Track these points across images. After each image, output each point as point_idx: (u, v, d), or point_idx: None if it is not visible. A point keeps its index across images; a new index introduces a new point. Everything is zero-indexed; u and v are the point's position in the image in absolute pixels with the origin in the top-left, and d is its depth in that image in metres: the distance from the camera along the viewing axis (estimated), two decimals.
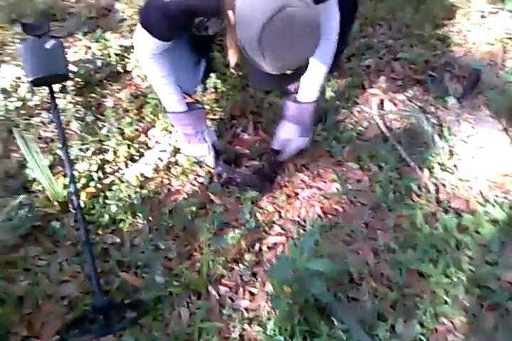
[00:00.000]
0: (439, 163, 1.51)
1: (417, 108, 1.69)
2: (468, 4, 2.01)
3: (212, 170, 1.58)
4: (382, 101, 1.73)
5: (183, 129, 1.47)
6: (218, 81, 1.77)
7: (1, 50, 2.06)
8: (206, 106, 1.71)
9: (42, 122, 1.77)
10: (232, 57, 1.11)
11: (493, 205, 1.35)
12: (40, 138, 1.73)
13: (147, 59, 1.31)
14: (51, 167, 1.63)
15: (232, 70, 1.81)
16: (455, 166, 1.52)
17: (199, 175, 1.59)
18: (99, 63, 1.93)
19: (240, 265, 1.36)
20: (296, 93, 1.44)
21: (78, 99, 1.84)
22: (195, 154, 1.53)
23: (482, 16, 1.95)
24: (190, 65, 1.69)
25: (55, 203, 1.52)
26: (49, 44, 1.58)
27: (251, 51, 0.93)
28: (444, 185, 1.47)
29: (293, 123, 1.47)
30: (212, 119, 1.71)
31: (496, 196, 1.41)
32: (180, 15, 1.13)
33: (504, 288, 1.22)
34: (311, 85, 1.41)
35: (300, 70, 1.03)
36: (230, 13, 0.97)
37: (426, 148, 1.56)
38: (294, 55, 0.93)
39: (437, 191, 1.45)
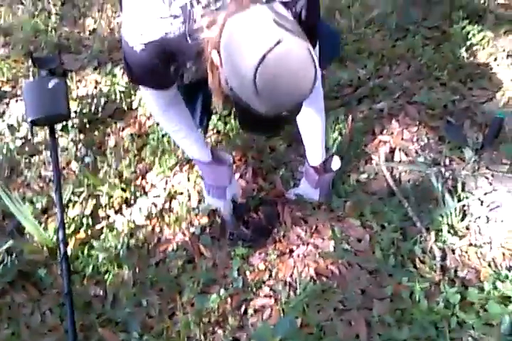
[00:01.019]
0: (448, 225, 1.37)
1: (430, 159, 1.56)
2: (495, 44, 1.87)
3: (206, 220, 1.51)
4: (392, 150, 1.62)
5: (205, 177, 1.42)
6: (219, 123, 1.71)
7: (15, 84, 2.09)
8: None
9: (42, 161, 1.77)
10: (217, 101, 1.01)
11: (503, 281, 1.20)
12: (40, 177, 1.72)
13: (159, 114, 1.24)
14: (46, 209, 1.62)
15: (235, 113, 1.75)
16: (467, 228, 1.38)
17: (192, 224, 1.53)
18: (104, 100, 1.92)
19: (222, 329, 1.27)
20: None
21: (80, 137, 1.82)
22: (212, 203, 1.47)
23: (508, 58, 1.80)
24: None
25: (44, 249, 1.49)
26: (52, 83, 1.57)
27: (243, 93, 0.83)
28: (452, 251, 1.34)
29: (313, 186, 1.46)
30: None
31: (510, 268, 1.27)
32: (156, 60, 1.00)
33: None
34: (314, 142, 1.37)
35: (297, 111, 0.93)
36: (213, 53, 0.88)
37: (436, 206, 1.43)
38: (293, 93, 0.83)
39: (444, 257, 1.32)
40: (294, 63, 0.79)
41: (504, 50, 1.82)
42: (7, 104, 1.99)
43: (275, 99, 0.82)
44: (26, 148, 1.79)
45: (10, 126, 1.84)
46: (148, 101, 1.23)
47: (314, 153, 1.40)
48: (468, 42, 1.89)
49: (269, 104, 0.82)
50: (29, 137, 1.80)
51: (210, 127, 1.72)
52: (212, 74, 0.95)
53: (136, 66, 1.04)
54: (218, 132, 1.72)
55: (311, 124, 1.33)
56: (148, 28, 0.93)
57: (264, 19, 0.79)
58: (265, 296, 1.33)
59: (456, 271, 1.29)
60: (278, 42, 0.77)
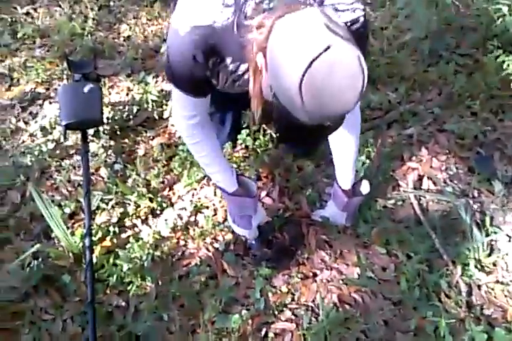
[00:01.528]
0: (475, 259, 1.37)
1: (458, 190, 1.56)
2: None
3: (231, 237, 1.52)
4: (420, 178, 1.62)
5: (231, 206, 1.37)
6: (248, 138, 1.72)
7: (49, 86, 2.12)
8: (233, 165, 1.66)
9: (73, 165, 1.79)
10: (257, 109, 0.97)
11: None
12: (69, 182, 1.74)
13: (188, 137, 1.20)
14: (73, 214, 1.64)
15: (265, 126, 1.76)
16: (494, 264, 1.38)
17: (217, 240, 1.54)
18: (136, 108, 1.93)
19: None
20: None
21: (111, 143, 1.84)
22: (237, 232, 1.42)
23: None
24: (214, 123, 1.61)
25: (70, 255, 1.51)
26: (87, 88, 1.59)
27: (286, 100, 0.80)
28: (478, 287, 1.33)
29: (340, 209, 1.45)
30: None
31: None
32: (197, 50, 0.96)
33: None
34: (347, 165, 1.35)
35: (340, 122, 0.88)
36: (258, 56, 0.85)
37: (463, 239, 1.42)
38: (340, 103, 0.79)
39: (470, 293, 1.32)
40: (343, 71, 0.75)
41: None
42: (40, 105, 2.01)
43: (320, 108, 0.78)
44: (57, 151, 1.81)
45: (43, 128, 1.86)
46: (182, 115, 1.17)
47: (345, 176, 1.39)
48: (501, 73, 1.89)
49: (313, 113, 0.78)
50: (61, 140, 1.82)
51: (239, 142, 1.72)
52: (254, 78, 0.91)
53: (176, 54, 1.00)
54: (247, 147, 1.72)
55: (346, 146, 1.31)
56: (199, 12, 0.91)
57: (314, 23, 0.75)
58: (286, 320, 1.34)
59: (482, 309, 1.29)
60: (327, 48, 0.73)
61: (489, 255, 1.38)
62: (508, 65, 1.92)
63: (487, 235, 1.41)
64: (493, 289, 1.32)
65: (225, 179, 1.28)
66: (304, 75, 0.74)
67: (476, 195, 1.55)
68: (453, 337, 1.20)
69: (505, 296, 1.30)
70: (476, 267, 1.35)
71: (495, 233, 1.42)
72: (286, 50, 0.77)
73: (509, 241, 1.42)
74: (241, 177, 1.32)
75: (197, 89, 1.10)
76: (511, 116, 1.77)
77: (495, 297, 1.31)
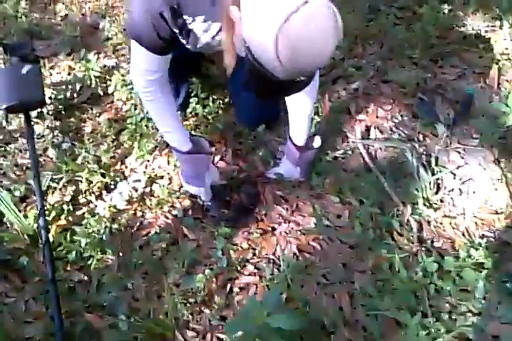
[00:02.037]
0: (423, 198, 1.42)
1: (404, 136, 1.60)
2: (464, 23, 1.91)
3: (188, 203, 1.52)
4: (368, 128, 1.65)
5: (184, 167, 1.39)
6: (198, 106, 1.71)
7: None
8: None
9: (18, 149, 1.74)
10: (229, 63, 0.98)
11: (477, 248, 1.26)
12: (16, 166, 1.70)
13: (145, 92, 1.20)
14: (24, 197, 1.60)
15: (216, 96, 1.75)
16: (441, 201, 1.43)
17: (174, 207, 1.54)
18: (79, 86, 1.89)
19: (209, 308, 1.29)
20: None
21: (57, 123, 1.80)
22: (191, 191, 1.43)
23: (477, 36, 1.84)
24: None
25: (25, 237, 1.48)
26: (25, 69, 1.53)
27: (261, 53, 0.80)
28: (428, 223, 1.39)
29: (294, 164, 1.48)
30: None
31: (483, 236, 1.32)
32: (165, 9, 0.96)
33: None
34: (302, 124, 1.38)
35: (312, 77, 0.91)
36: (233, 8, 0.84)
37: (411, 180, 1.47)
38: (315, 57, 0.80)
39: (420, 229, 1.37)
40: (319, 25, 0.76)
41: (473, 29, 1.87)
42: None
43: (294, 60, 0.78)
44: (1, 136, 1.75)
45: None
46: (140, 71, 1.16)
47: (300, 133, 1.42)
48: (437, 22, 1.93)
49: (288, 67, 0.78)
50: (3, 125, 1.77)
51: (189, 110, 1.71)
52: (227, 32, 0.91)
53: (141, 10, 0.99)
54: (197, 115, 1.72)
55: (303, 105, 1.34)
56: None
57: None
58: (250, 274, 1.36)
59: (432, 242, 1.34)
60: (306, 2, 0.74)
61: (436, 193, 1.43)
62: (444, 14, 1.97)
63: (433, 174, 1.46)
64: (441, 223, 1.38)
65: (179, 138, 1.30)
66: (280, 28, 0.74)
67: (421, 138, 1.60)
68: (407, 270, 1.25)
69: (453, 228, 1.36)
70: (424, 205, 1.40)
71: (440, 172, 1.47)
72: (263, 2, 0.77)
73: (454, 178, 1.47)
74: (194, 137, 1.34)
75: (161, 47, 1.08)
76: (450, 62, 1.82)
77: (444, 230, 1.36)
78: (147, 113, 1.63)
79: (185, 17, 1.00)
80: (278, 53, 0.76)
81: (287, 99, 1.34)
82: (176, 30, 1.04)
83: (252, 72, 0.86)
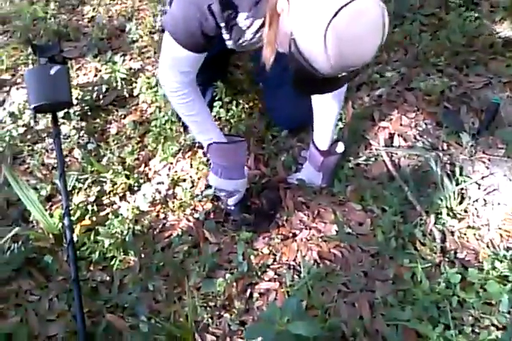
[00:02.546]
0: (447, 208, 1.41)
1: (428, 144, 1.59)
2: (491, 31, 1.89)
3: (210, 206, 1.53)
4: (391, 136, 1.64)
5: (222, 162, 1.34)
6: (221, 110, 1.72)
7: (15, 72, 2.08)
8: None
9: (45, 149, 1.77)
10: (269, 56, 0.99)
11: (502, 261, 1.24)
12: (43, 165, 1.73)
13: (178, 96, 1.22)
14: (50, 196, 1.63)
15: (241, 100, 1.76)
16: (465, 211, 1.42)
17: (196, 210, 1.55)
18: (105, 87, 1.92)
19: (229, 312, 1.30)
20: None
21: (82, 124, 1.83)
22: (228, 188, 1.38)
23: (503, 44, 1.82)
24: None
25: (50, 236, 1.51)
26: (54, 70, 1.57)
27: (307, 46, 0.80)
28: (452, 233, 1.37)
29: (316, 170, 1.48)
30: None
31: (508, 248, 1.30)
32: (214, 1, 0.97)
33: None
34: (327, 128, 1.39)
35: (355, 74, 0.91)
36: (281, 1, 0.86)
37: (434, 190, 1.46)
38: (362, 53, 0.81)
39: (444, 240, 1.36)
40: (367, 21, 0.77)
41: (500, 37, 1.84)
42: (7, 92, 1.98)
43: (340, 55, 0.79)
44: (28, 136, 1.79)
45: (11, 114, 1.84)
46: (172, 74, 1.17)
47: (324, 137, 1.43)
48: (464, 29, 1.91)
49: (334, 62, 0.79)
50: (31, 124, 1.81)
51: (213, 114, 1.72)
52: (270, 25, 0.92)
53: (188, 4, 1.00)
54: (220, 119, 1.73)
55: (330, 109, 1.35)
56: None
57: None
58: (270, 280, 1.36)
59: (455, 253, 1.33)
60: None
61: (460, 203, 1.42)
62: (470, 21, 1.95)
63: (457, 184, 1.44)
64: (465, 234, 1.36)
65: (216, 135, 1.31)
66: (330, 21, 0.76)
67: (445, 147, 1.58)
68: (429, 280, 1.24)
69: (477, 239, 1.34)
70: (448, 215, 1.39)
71: (464, 182, 1.46)
72: None
73: (478, 188, 1.46)
74: (227, 136, 1.36)
75: (200, 45, 1.09)
76: (476, 70, 1.80)
77: (467, 241, 1.35)
78: (177, 116, 1.64)
79: (230, 12, 1.01)
80: (326, 47, 0.77)
81: (314, 102, 1.34)
82: (222, 24, 1.04)
83: (294, 67, 0.86)
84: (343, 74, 0.85)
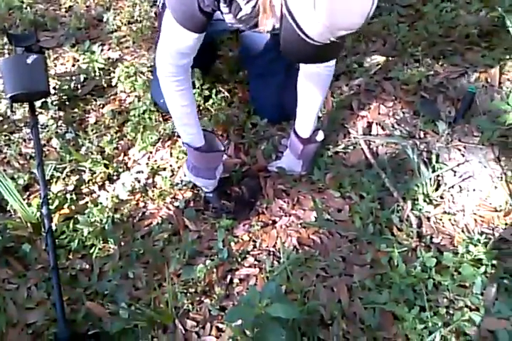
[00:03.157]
0: (424, 194, 1.43)
1: (405, 133, 1.62)
2: (467, 21, 1.92)
3: (190, 194, 1.54)
4: (370, 125, 1.66)
5: (195, 162, 1.37)
6: (200, 98, 1.72)
7: None
8: None
9: (23, 138, 1.75)
10: (266, 20, 1.00)
11: (476, 245, 1.27)
12: (20, 155, 1.71)
13: (173, 81, 1.21)
14: (28, 186, 1.61)
15: (221, 88, 1.76)
16: (441, 197, 1.45)
17: (176, 198, 1.55)
18: (83, 77, 1.90)
19: (209, 298, 1.31)
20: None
21: (61, 114, 1.81)
22: (198, 183, 1.44)
23: (479, 35, 1.85)
24: None
25: (28, 225, 1.49)
26: (30, 59, 1.55)
27: (298, 6, 0.81)
28: (428, 219, 1.40)
29: (297, 158, 1.49)
30: None
31: (482, 232, 1.34)
32: None
33: (484, 338, 1.15)
34: (310, 116, 1.40)
35: (343, 43, 0.92)
36: None
37: (411, 177, 1.49)
38: (353, 14, 0.80)
39: (420, 225, 1.38)
40: None
41: (476, 28, 1.87)
42: None
43: (330, 15, 0.79)
44: (5, 126, 1.77)
45: None
46: (169, 57, 1.17)
47: (307, 125, 1.44)
48: (441, 20, 1.94)
49: (321, 21, 0.80)
50: (8, 114, 1.77)
51: None
52: None
53: None
54: (199, 107, 1.72)
55: (314, 97, 1.36)
56: None
57: None
58: (250, 266, 1.37)
59: (431, 237, 1.36)
60: None
61: (436, 189, 1.45)
62: (447, 12, 1.98)
63: (433, 171, 1.47)
64: (441, 219, 1.39)
65: (196, 133, 1.32)
66: None
67: (422, 135, 1.61)
68: (405, 264, 1.27)
69: (452, 225, 1.38)
70: (424, 201, 1.42)
71: (440, 169, 1.48)
72: None
73: (454, 175, 1.49)
74: (205, 132, 1.37)
75: (199, 22, 1.09)
76: (452, 60, 1.83)
77: (443, 226, 1.38)
78: (155, 105, 1.67)
79: None
80: (315, 4, 0.77)
81: (300, 89, 1.36)
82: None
83: (284, 31, 0.88)
84: (332, 39, 0.85)
